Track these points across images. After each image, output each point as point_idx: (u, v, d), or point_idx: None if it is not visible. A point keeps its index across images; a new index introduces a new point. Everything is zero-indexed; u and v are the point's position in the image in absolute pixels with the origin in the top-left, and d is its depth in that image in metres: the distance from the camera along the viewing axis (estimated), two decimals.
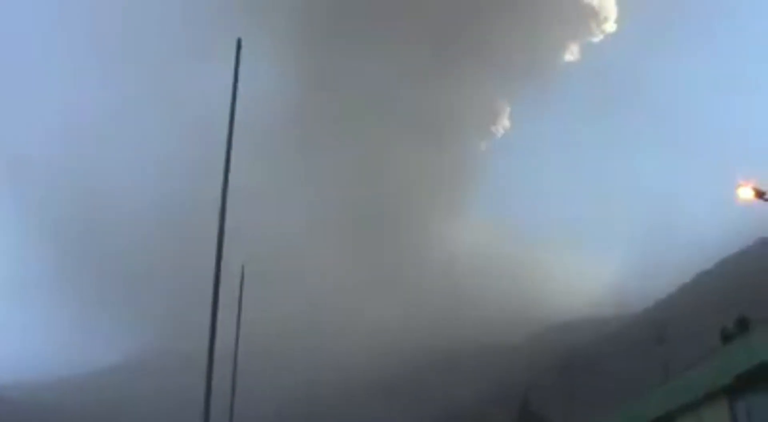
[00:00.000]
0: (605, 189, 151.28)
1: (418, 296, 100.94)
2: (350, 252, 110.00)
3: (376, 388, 73.85)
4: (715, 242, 71.08)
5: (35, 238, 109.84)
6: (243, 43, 12.02)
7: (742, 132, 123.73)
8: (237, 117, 12.06)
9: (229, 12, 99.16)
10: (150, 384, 75.64)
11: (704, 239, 77.14)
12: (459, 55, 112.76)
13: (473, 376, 71.85)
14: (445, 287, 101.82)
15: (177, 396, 51.09)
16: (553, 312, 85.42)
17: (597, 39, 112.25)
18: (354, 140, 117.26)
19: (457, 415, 65.27)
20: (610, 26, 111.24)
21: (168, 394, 64.47)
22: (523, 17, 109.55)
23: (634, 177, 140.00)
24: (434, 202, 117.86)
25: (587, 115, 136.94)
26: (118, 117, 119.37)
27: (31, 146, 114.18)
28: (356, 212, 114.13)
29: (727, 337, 14.84)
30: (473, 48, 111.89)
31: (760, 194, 13.93)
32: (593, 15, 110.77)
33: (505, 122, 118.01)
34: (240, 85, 11.98)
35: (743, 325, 14.36)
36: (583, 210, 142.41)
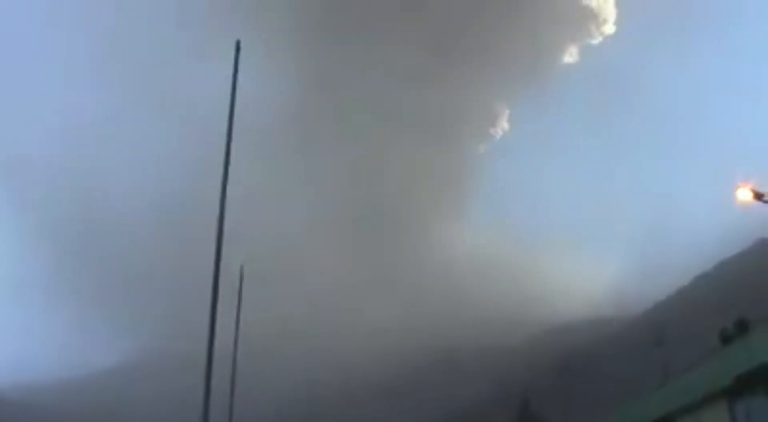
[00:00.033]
0: (604, 191, 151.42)
1: (417, 297, 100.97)
2: (350, 253, 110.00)
3: (376, 389, 73.81)
4: (714, 244, 71.15)
5: (33, 239, 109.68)
6: (242, 45, 12.06)
7: (741, 134, 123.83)
8: (236, 118, 12.08)
9: (228, 13, 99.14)
10: (149, 385, 75.54)
11: (703, 240, 77.17)
12: (458, 57, 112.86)
13: (473, 377, 71.82)
14: (445, 288, 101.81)
15: (176, 396, 51.01)
16: (552, 314, 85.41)
17: (596, 41, 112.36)
18: (353, 142, 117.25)
19: (457, 416, 65.23)
20: (609, 28, 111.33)
21: (167, 395, 64.37)
22: (522, 19, 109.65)
23: (633, 179, 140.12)
24: (433, 203, 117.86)
25: (586, 117, 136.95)
26: (117, 117, 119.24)
27: (30, 145, 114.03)
28: (355, 213, 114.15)
29: (726, 338, 14.83)
30: (472, 50, 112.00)
31: (758, 196, 13.94)
32: (592, 17, 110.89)
33: (504, 124, 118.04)
34: (239, 85, 12.00)
35: (742, 326, 14.36)
36: (582, 212, 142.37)
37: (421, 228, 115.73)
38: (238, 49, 11.73)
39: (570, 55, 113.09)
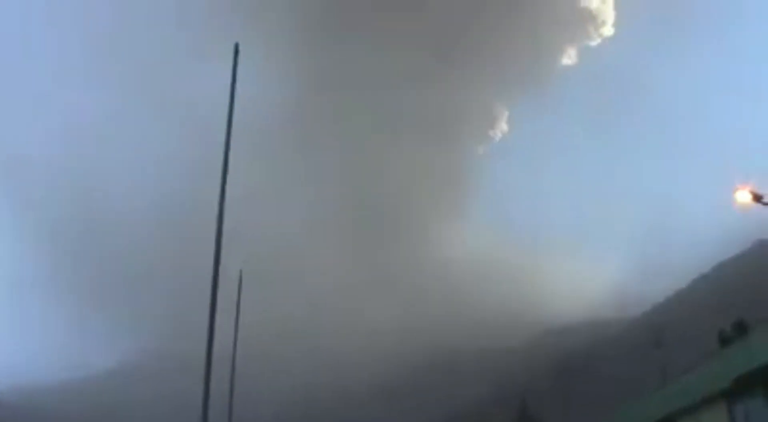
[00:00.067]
0: (603, 192, 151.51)
1: (416, 299, 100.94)
2: (349, 254, 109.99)
3: (375, 390, 73.74)
4: (713, 245, 71.17)
5: (32, 240, 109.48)
6: (242, 46, 12.08)
7: (740, 135, 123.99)
8: (236, 119, 12.10)
9: (228, 14, 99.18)
10: (148, 387, 75.40)
11: (702, 242, 77.20)
12: (457, 59, 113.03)
13: (472, 378, 71.77)
14: (444, 290, 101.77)
15: (175, 399, 50.94)
16: (551, 315, 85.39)
17: (594, 43, 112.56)
18: (352, 143, 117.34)
19: (456, 417, 65.16)
20: (608, 30, 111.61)
21: (166, 397, 64.26)
22: (521, 21, 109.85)
23: (632, 180, 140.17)
24: (433, 204, 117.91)
25: (585, 118, 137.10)
26: (116, 118, 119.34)
27: (29, 145, 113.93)
28: (355, 214, 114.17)
29: (724, 340, 14.85)
30: (471, 52, 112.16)
31: (757, 198, 13.94)
32: (591, 19, 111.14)
33: (503, 126, 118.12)
34: (238, 87, 12.02)
35: (741, 328, 14.37)
36: (581, 213, 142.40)
37: (421, 230, 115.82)
38: (236, 52, 11.75)
39: (569, 57, 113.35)
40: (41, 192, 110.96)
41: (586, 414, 44.96)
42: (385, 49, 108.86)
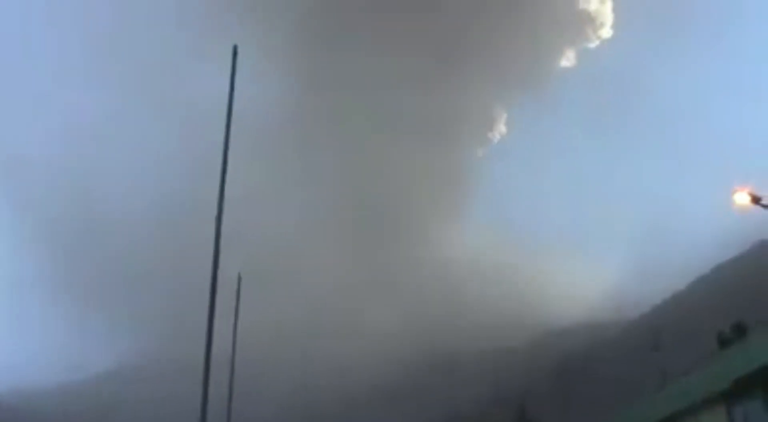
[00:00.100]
0: (602, 194, 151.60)
1: (416, 301, 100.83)
2: (348, 255, 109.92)
3: (374, 392, 73.67)
4: (712, 247, 71.16)
5: (30, 241, 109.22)
6: (241, 46, 12.11)
7: (739, 137, 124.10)
8: (234, 120, 12.11)
9: (227, 14, 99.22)
10: (147, 389, 75.25)
11: (701, 243, 77.20)
12: (456, 60, 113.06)
13: (472, 380, 71.75)
14: (443, 292, 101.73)
15: (174, 401, 50.86)
16: (551, 317, 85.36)
17: (593, 45, 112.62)
18: (351, 145, 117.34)
19: (456, 418, 65.16)
20: (606, 32, 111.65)
21: (165, 399, 64.13)
22: (520, 23, 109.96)
23: (631, 182, 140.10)
24: (431, 207, 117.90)
25: (583, 120, 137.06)
26: (115, 119, 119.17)
27: (28, 145, 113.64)
28: (354, 216, 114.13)
29: (723, 342, 14.86)
30: (470, 54, 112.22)
31: (756, 200, 13.94)
32: (589, 21, 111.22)
33: (501, 128, 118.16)
34: (237, 88, 12.04)
35: (740, 330, 14.38)
36: (580, 215, 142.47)
37: (420, 231, 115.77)
38: (235, 53, 11.78)
39: (567, 59, 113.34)
40: (39, 192, 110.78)
41: (585, 415, 44.96)
42: (384, 50, 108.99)
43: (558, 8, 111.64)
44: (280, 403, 70.02)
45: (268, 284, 71.69)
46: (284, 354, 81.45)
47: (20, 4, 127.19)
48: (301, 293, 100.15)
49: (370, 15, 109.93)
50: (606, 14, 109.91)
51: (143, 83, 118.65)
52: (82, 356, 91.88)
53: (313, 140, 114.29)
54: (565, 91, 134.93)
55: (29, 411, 69.63)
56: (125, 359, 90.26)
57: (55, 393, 77.85)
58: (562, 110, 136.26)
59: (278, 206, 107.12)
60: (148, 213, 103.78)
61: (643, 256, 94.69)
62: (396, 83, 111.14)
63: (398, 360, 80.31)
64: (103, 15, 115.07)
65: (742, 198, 14.05)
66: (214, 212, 11.44)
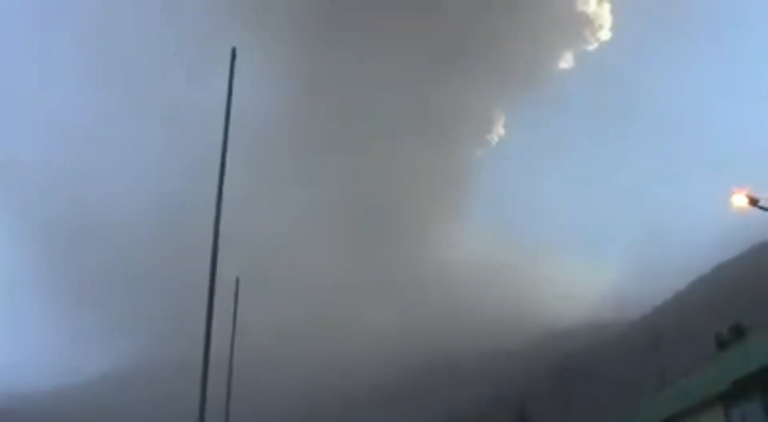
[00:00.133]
0: (601, 195, 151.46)
1: (415, 302, 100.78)
2: (347, 256, 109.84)
3: (374, 393, 73.60)
4: (713, 247, 71.13)
5: (26, 243, 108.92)
6: (240, 47, 12.14)
7: (739, 138, 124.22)
8: (233, 121, 12.11)
9: (225, 15, 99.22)
10: (145, 392, 75.10)
11: (701, 243, 77.17)
12: (455, 62, 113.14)
13: (472, 381, 71.71)
14: (443, 293, 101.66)
15: (172, 403, 50.74)
16: (550, 318, 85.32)
17: (591, 47, 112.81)
18: (350, 146, 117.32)
19: (456, 419, 65.11)
20: (605, 34, 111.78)
21: (163, 402, 64.01)
22: (518, 25, 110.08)
23: (630, 183, 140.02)
24: (431, 208, 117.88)
25: (583, 122, 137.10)
26: (112, 121, 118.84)
27: (23, 148, 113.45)
28: (353, 217, 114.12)
29: (722, 344, 14.86)
30: (469, 56, 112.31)
31: (754, 202, 13.95)
32: (587, 23, 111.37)
33: (500, 129, 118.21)
34: (236, 89, 12.05)
35: (738, 332, 14.39)
36: (580, 216, 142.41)
37: (420, 232, 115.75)
38: (233, 56, 11.80)
39: (566, 61, 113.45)
40: (34, 194, 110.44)
41: (584, 416, 44.98)
42: (384, 52, 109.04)
43: (556, 10, 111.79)
44: (278, 404, 69.95)
45: (266, 285, 71.60)
46: (283, 354, 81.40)
47: (15, 4, 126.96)
48: (300, 294, 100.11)
49: (369, 17, 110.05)
50: (604, 16, 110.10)
51: (142, 84, 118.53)
52: (78, 358, 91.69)
53: (312, 142, 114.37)
54: (565, 93, 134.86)
55: (25, 414, 69.43)
56: (122, 361, 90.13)
57: (51, 395, 77.68)
58: (561, 112, 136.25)
59: (277, 207, 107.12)
60: (145, 215, 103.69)
61: (643, 256, 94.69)
62: (395, 85, 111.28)
63: (398, 360, 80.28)
64: (98, 18, 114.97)
65: (739, 200, 14.06)
66: (212, 214, 11.44)
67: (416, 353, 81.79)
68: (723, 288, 56.61)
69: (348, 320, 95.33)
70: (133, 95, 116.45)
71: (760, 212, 14.23)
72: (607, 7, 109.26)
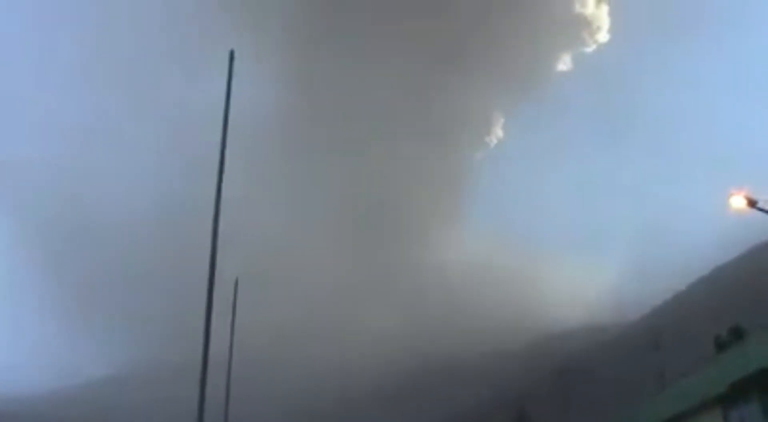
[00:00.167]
0: (600, 196, 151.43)
1: (415, 303, 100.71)
2: (346, 258, 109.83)
3: (373, 394, 73.54)
4: (713, 247, 71.09)
5: (22, 244, 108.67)
6: (238, 49, 12.15)
7: (738, 139, 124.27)
8: (231, 123, 12.11)
9: (223, 16, 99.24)
10: (143, 394, 74.96)
11: (701, 244, 77.14)
12: (453, 64, 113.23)
13: (471, 383, 71.65)
14: (442, 295, 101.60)
15: (171, 405, 50.68)
16: (550, 319, 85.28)
17: (590, 49, 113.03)
18: (349, 148, 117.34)
19: (456, 421, 65.08)
20: (603, 36, 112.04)
21: (161, 403, 63.91)
22: (516, 27, 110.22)
23: (629, 185, 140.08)
24: (430, 210, 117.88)
25: (582, 123, 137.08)
26: (110, 121, 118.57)
27: (20, 147, 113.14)
28: (353, 219, 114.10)
29: (720, 345, 14.86)
30: (468, 58, 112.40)
31: (752, 203, 13.94)
32: (586, 25, 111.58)
33: (499, 131, 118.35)
34: (234, 91, 12.05)
35: (737, 333, 14.39)
36: (579, 217, 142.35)
37: (419, 234, 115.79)
38: (231, 58, 11.80)
39: (564, 63, 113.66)
40: (32, 194, 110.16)
41: (584, 416, 44.99)
42: (383, 54, 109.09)
43: (554, 12, 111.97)
44: (277, 406, 69.89)
45: (265, 285, 71.52)
46: (282, 355, 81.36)
47: (13, 4, 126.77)
48: (299, 294, 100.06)
49: (367, 19, 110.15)
50: (602, 18, 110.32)
51: (141, 84, 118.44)
52: (76, 360, 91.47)
53: (310, 143, 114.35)
54: (563, 95, 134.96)
55: (24, 416, 69.23)
56: (121, 362, 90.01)
57: (49, 397, 77.50)
58: (560, 113, 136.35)
59: (276, 208, 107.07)
60: (144, 215, 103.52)
61: (642, 257, 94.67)
62: (393, 86, 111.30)
63: (397, 361, 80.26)
64: (96, 15, 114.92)
65: (738, 202, 14.05)
66: (211, 215, 11.43)
67: (416, 354, 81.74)
68: (722, 289, 56.63)
69: (347, 321, 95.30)
70: (131, 95, 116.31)
71: (760, 213, 14.21)
72: (605, 9, 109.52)
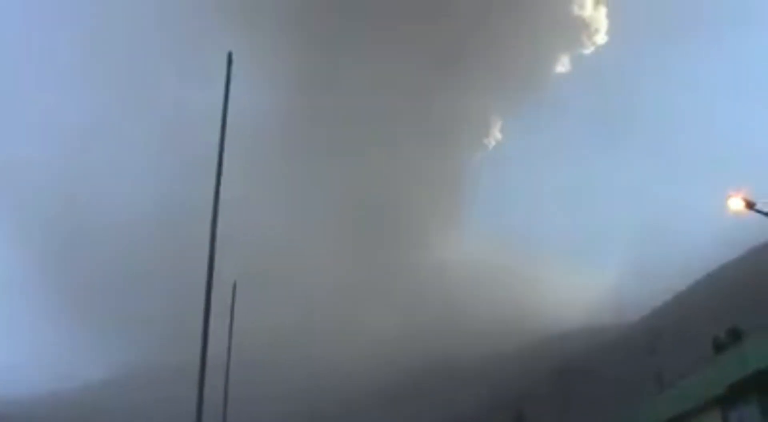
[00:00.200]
0: (600, 198, 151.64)
1: (414, 305, 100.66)
2: (345, 260, 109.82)
3: (372, 396, 73.48)
4: (713, 248, 71.14)
5: (20, 246, 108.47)
6: (236, 51, 12.15)
7: (736, 141, 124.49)
8: (230, 124, 12.12)
9: (222, 17, 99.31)
10: (141, 396, 74.79)
11: (701, 244, 77.19)
12: (452, 67, 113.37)
13: (470, 384, 71.64)
14: (441, 297, 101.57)
15: (169, 407, 50.59)
16: (549, 321, 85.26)
17: (588, 51, 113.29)
18: (348, 150, 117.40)
19: None
20: (601, 38, 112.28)
21: (159, 405, 63.79)
22: (515, 29, 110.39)
23: (628, 186, 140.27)
24: (429, 211, 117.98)
25: (580, 125, 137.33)
26: (108, 122, 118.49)
27: (18, 147, 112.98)
28: (351, 220, 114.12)
29: (719, 347, 14.86)
30: (466, 60, 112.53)
31: (750, 205, 13.93)
32: (584, 27, 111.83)
33: (497, 133, 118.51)
34: (233, 92, 12.05)
35: (735, 335, 14.39)
36: (578, 219, 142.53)
37: (418, 236, 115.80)
38: (230, 61, 11.80)
39: (562, 65, 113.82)
40: (29, 195, 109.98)
41: (583, 417, 44.98)
42: (381, 56, 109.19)
43: (552, 15, 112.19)
44: (276, 407, 69.80)
45: (264, 287, 71.46)
46: (281, 357, 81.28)
47: (11, 4, 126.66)
48: (299, 296, 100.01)
49: (366, 21, 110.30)
50: (600, 20, 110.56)
51: (139, 85, 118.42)
52: (75, 361, 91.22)
53: (309, 144, 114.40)
54: (562, 97, 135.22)
55: (20, 418, 69.06)
56: (119, 364, 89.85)
57: (47, 399, 77.26)
58: (558, 115, 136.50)
59: (274, 210, 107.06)
60: (142, 217, 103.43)
61: (642, 258, 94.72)
62: (392, 88, 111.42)
63: (396, 362, 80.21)
64: (94, 15, 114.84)
65: (736, 204, 14.04)
66: (209, 216, 11.43)
67: (415, 355, 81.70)
68: (722, 290, 56.66)
69: (346, 322, 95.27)
70: (130, 96, 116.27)
71: (757, 214, 14.21)
72: (603, 11, 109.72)
